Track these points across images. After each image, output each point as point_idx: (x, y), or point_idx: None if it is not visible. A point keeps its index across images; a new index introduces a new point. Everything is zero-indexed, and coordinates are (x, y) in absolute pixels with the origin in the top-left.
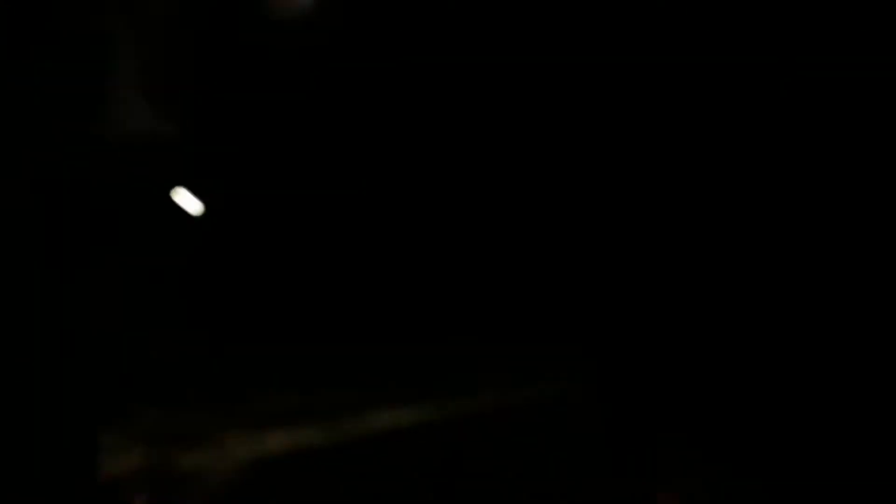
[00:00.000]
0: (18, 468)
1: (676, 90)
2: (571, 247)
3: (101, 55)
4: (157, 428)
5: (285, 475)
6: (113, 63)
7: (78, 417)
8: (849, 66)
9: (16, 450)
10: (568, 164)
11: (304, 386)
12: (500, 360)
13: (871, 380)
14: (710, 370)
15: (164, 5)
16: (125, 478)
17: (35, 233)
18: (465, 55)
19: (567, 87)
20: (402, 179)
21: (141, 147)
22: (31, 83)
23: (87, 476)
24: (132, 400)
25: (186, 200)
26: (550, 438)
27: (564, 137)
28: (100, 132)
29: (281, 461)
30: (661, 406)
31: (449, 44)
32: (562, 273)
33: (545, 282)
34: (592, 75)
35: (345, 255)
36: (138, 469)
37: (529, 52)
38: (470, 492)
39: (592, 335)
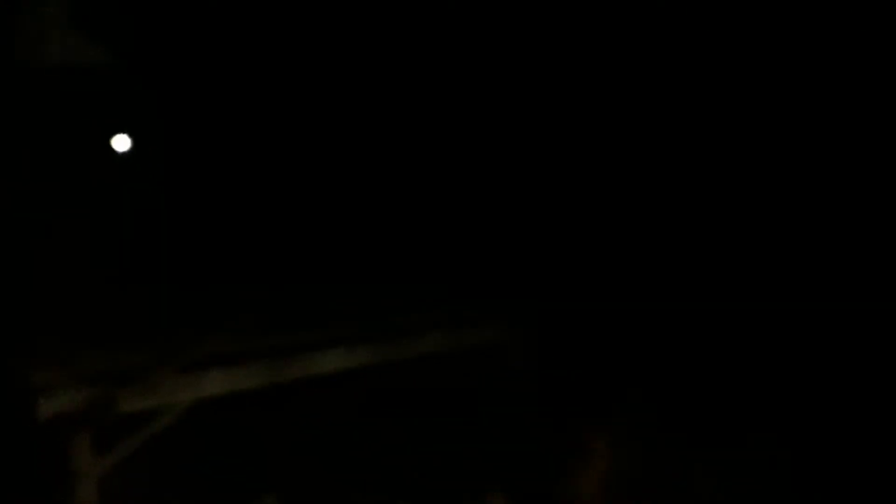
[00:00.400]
0: None
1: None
2: (516, 198)
3: None
4: (97, 368)
5: (224, 417)
6: None
7: (11, 358)
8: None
9: None
10: (516, 119)
11: (241, 327)
12: (442, 303)
13: (785, 327)
14: (646, 322)
15: None
16: (65, 418)
17: None
18: None
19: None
20: (334, 119)
21: (70, 75)
22: None
23: (22, 416)
24: (71, 340)
25: (117, 139)
26: (488, 382)
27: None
28: (28, 60)
29: (220, 403)
30: (598, 355)
31: None
32: (507, 223)
33: (492, 232)
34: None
35: (284, 195)
36: (78, 409)
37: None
38: (404, 434)
39: (533, 284)
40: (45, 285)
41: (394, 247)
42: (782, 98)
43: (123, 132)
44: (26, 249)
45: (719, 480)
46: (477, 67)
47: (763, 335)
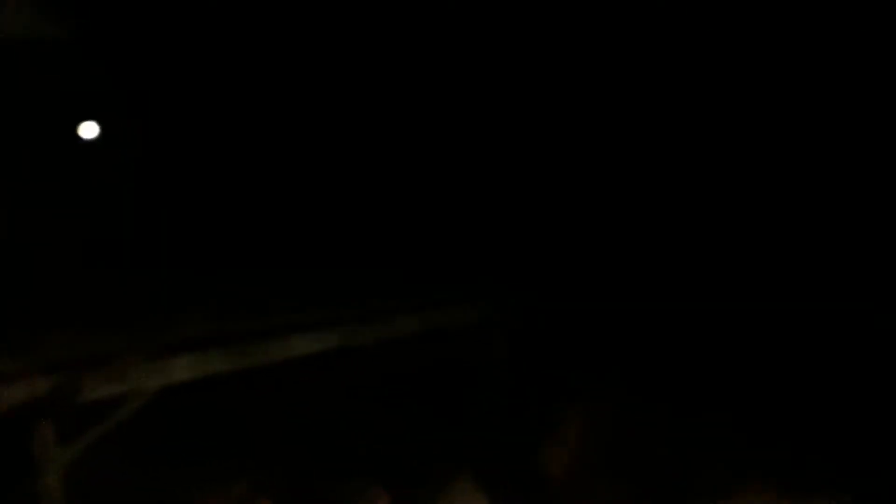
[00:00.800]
0: None
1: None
2: (495, 179)
3: None
4: (61, 354)
5: (192, 404)
6: None
7: None
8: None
9: None
10: (492, 97)
11: (210, 311)
12: (419, 284)
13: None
14: (622, 299)
15: None
16: (27, 406)
17: None
18: None
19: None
20: (314, 102)
21: (25, 48)
22: None
23: None
24: (33, 325)
25: (83, 126)
26: (462, 365)
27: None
28: None
29: (188, 389)
30: (574, 335)
31: None
32: (488, 205)
33: (473, 214)
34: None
35: (256, 178)
36: (41, 397)
37: None
38: (377, 418)
39: (511, 264)
40: (4, 268)
41: (372, 229)
42: (781, 99)
43: (83, 111)
44: None
45: (693, 461)
46: (474, 60)
47: (737, 326)
